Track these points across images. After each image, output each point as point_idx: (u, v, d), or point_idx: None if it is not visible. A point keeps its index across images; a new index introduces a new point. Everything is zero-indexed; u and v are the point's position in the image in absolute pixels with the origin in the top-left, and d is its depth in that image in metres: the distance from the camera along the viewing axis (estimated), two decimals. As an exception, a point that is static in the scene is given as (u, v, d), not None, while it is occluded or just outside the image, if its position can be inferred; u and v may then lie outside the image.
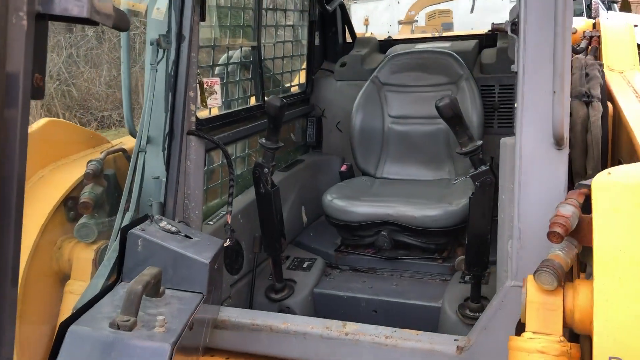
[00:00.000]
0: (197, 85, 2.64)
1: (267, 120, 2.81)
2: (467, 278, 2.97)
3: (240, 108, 3.25)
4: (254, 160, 3.45)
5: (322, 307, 3.04)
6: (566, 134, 1.94)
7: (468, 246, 2.60)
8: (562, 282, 1.63)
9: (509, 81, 3.78)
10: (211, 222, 2.86)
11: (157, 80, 2.41)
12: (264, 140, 2.84)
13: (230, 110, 3.16)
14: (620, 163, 2.25)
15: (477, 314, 2.54)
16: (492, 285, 2.68)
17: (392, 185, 3.59)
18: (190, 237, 2.09)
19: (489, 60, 3.86)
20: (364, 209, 3.16)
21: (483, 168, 2.50)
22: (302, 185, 3.77)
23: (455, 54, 3.66)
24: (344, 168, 3.77)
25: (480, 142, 2.49)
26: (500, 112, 3.79)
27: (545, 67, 1.96)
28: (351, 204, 3.19)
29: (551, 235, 1.61)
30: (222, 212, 2.97)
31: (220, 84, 2.96)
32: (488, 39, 4.13)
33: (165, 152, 2.42)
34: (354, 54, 4.21)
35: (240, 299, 2.95)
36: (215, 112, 3.05)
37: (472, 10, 6.39)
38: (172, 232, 2.07)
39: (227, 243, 2.55)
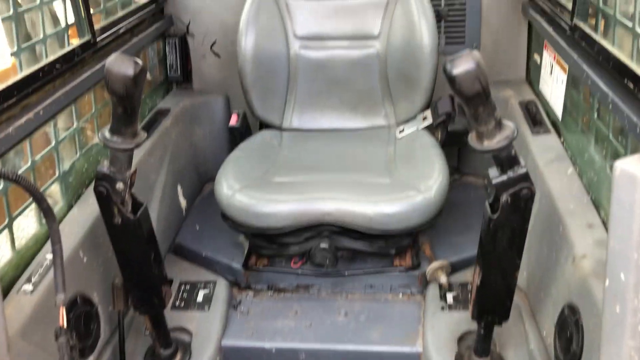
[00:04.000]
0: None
1: (112, 102, 1.46)
2: (449, 298, 2.03)
3: (52, 59, 1.80)
4: (90, 137, 2.08)
5: None
6: None
7: (481, 287, 1.61)
8: None
9: (458, -23, 2.64)
10: (29, 287, 1.56)
11: None
12: (108, 135, 1.51)
13: (34, 69, 1.71)
14: None
15: None
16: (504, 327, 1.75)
17: (310, 145, 2.43)
18: None
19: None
20: (285, 207, 2.00)
21: (518, 172, 1.44)
22: (174, 152, 2.47)
23: (390, -63, 2.40)
24: (234, 121, 2.50)
25: (514, 129, 1.40)
26: (448, 23, 2.67)
27: None
28: (265, 200, 2.02)
29: None
30: (49, 256, 1.67)
31: (1, 22, 1.51)
32: None
33: None
34: None
35: None
36: (2, 77, 1.60)
37: None
38: None
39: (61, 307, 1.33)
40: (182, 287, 2.15)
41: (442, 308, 1.98)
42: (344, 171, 2.18)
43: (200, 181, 2.75)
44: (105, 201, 1.58)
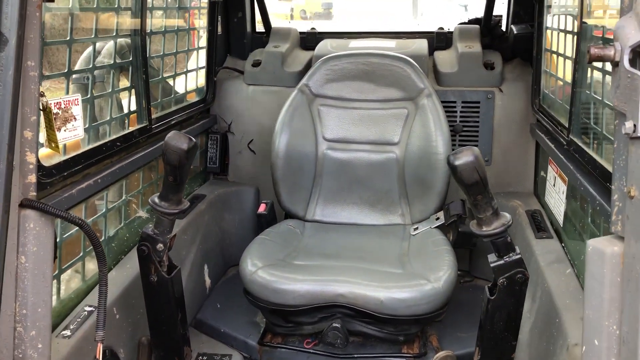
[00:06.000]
0: (40, 113, 1.49)
1: (165, 171, 1.72)
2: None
3: (114, 137, 2.10)
4: (135, 210, 2.32)
5: None
6: None
7: (480, 367, 1.72)
8: None
9: (473, 97, 2.96)
10: (67, 333, 1.73)
11: None
12: (157, 200, 1.76)
13: (99, 143, 2.00)
14: None
15: None
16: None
17: (330, 236, 2.63)
18: None
19: (448, 69, 3.01)
20: (303, 286, 2.16)
21: (513, 257, 1.62)
22: (204, 234, 2.69)
23: (412, 61, 2.76)
24: (262, 209, 2.74)
25: (509, 219, 1.61)
26: (462, 137, 2.96)
27: None
28: (284, 279, 2.19)
29: None
30: (87, 309, 1.85)
31: (81, 102, 1.82)
32: (439, 39, 3.28)
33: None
34: (272, 51, 3.16)
35: None
36: (72, 147, 1.89)
37: None
38: None
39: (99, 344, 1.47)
40: (200, 358, 2.28)
41: (446, 396, 2.07)
42: (358, 260, 2.36)
43: (225, 264, 2.94)
44: (145, 260, 1.78)
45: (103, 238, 2.08)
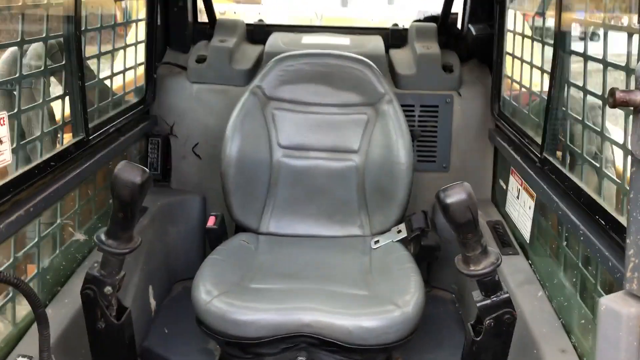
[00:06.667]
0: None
1: (114, 206, 1.48)
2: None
3: (47, 157, 1.82)
4: (71, 233, 2.06)
5: None
6: None
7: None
8: None
9: (431, 101, 2.85)
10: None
11: None
12: (104, 238, 1.52)
13: (29, 167, 1.72)
14: None
15: None
16: None
17: (286, 251, 2.46)
18: None
19: (406, 71, 2.87)
20: (265, 316, 1.99)
21: (501, 297, 1.52)
22: (148, 252, 2.46)
23: (372, 64, 2.60)
24: (211, 222, 2.52)
25: (498, 257, 1.50)
26: (420, 143, 2.84)
27: None
28: (244, 308, 2.00)
29: None
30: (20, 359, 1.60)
31: (7, 120, 1.54)
32: (394, 37, 3.13)
33: None
34: (218, 46, 2.91)
35: None
36: (-1, 173, 1.62)
37: None
38: None
39: None
40: (150, 398, 2.07)
41: None
42: (321, 280, 2.21)
43: (170, 281, 2.72)
44: (90, 305, 1.56)
45: (36, 271, 1.81)
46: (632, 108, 1.07)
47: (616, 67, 1.64)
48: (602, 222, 1.57)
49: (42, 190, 1.77)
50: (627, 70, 1.55)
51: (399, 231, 2.50)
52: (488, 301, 1.52)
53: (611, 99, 1.06)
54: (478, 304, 1.52)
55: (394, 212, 2.53)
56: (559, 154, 2.05)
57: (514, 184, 2.46)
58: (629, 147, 1.10)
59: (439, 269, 2.76)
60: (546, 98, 2.08)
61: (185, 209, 2.79)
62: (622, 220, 1.50)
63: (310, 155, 2.61)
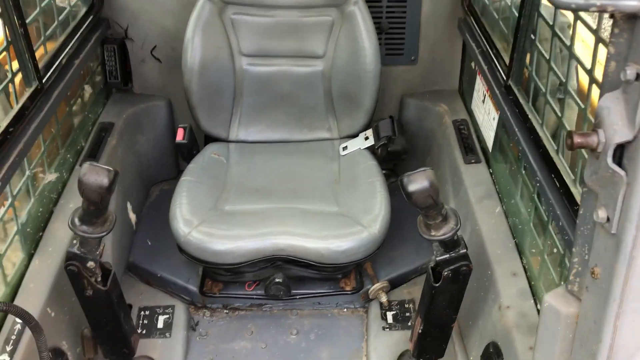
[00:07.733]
0: None
1: (84, 203, 1.50)
2: (389, 317, 2.28)
3: (4, 125, 1.75)
4: (41, 177, 2.08)
5: None
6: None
7: (422, 335, 1.85)
8: None
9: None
10: (6, 358, 1.64)
11: None
12: (78, 223, 1.57)
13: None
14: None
15: None
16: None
17: (257, 159, 2.53)
18: None
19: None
20: (241, 244, 2.12)
21: (459, 252, 1.65)
22: (122, 170, 2.47)
23: (336, -41, 2.40)
24: (180, 136, 2.52)
25: (457, 222, 1.59)
26: (388, 36, 2.74)
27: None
28: (221, 238, 2.13)
29: None
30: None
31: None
32: None
33: None
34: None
35: None
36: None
37: None
38: None
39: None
40: (142, 314, 2.27)
41: (383, 328, 2.24)
42: (292, 196, 2.31)
43: (146, 188, 2.78)
44: (76, 278, 1.65)
45: (16, 229, 1.87)
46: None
47: None
48: (557, 183, 1.64)
49: (7, 157, 1.74)
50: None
51: (367, 138, 2.55)
52: (447, 256, 1.65)
53: (569, 141, 1.07)
54: (437, 258, 1.66)
55: (362, 117, 2.56)
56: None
57: (480, 85, 2.45)
58: (584, 178, 1.13)
59: (406, 161, 2.86)
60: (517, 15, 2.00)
61: (152, 115, 2.76)
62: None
63: (274, 62, 2.53)
